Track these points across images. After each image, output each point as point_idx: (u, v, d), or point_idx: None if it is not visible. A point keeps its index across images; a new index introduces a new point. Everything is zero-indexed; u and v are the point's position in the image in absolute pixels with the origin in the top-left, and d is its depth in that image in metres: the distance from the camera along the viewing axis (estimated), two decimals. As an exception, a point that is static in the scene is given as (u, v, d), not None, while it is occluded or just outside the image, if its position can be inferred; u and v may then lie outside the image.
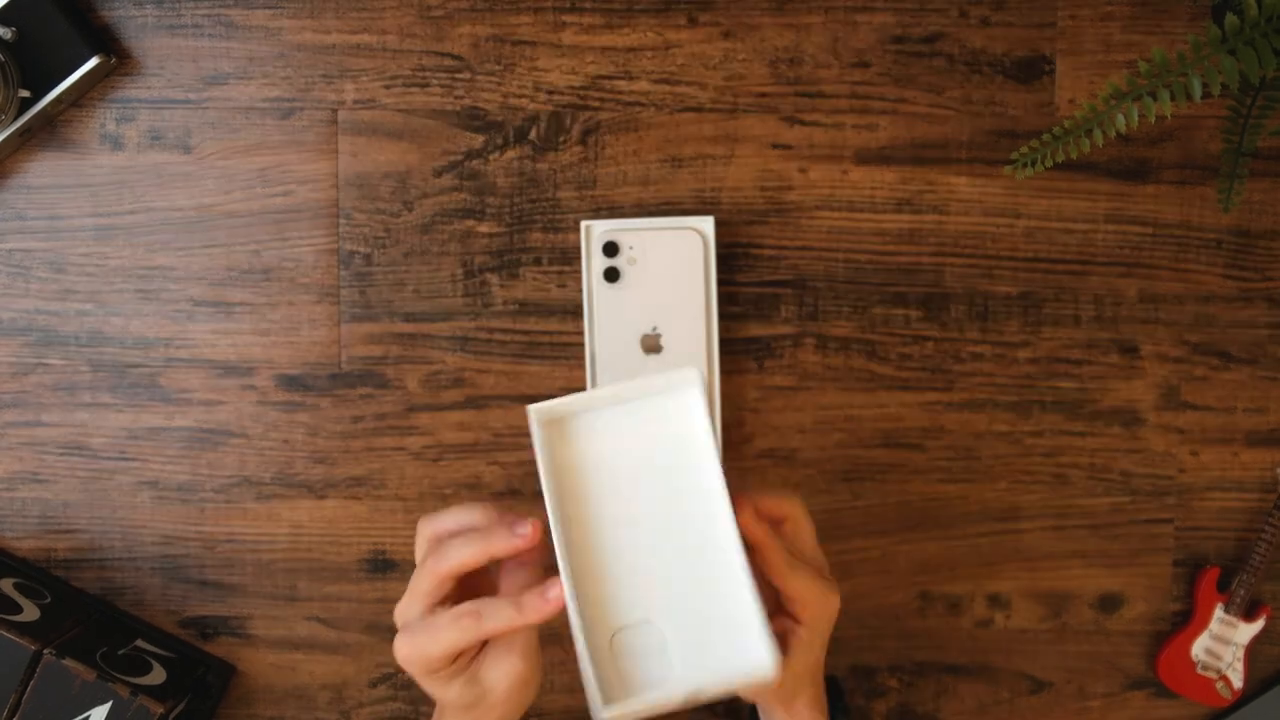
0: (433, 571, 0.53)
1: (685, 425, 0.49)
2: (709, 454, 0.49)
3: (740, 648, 0.48)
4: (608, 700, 0.47)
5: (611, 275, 0.67)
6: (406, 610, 0.55)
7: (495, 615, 0.51)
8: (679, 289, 0.65)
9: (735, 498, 0.50)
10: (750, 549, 0.50)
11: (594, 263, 0.67)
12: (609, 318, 0.66)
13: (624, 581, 0.50)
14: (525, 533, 0.52)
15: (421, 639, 0.53)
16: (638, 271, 0.67)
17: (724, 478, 0.49)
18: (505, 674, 0.53)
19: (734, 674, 0.48)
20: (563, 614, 0.49)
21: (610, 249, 0.67)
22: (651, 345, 0.66)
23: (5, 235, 0.72)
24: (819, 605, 0.54)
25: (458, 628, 0.51)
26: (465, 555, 0.52)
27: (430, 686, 0.54)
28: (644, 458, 0.50)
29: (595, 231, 0.70)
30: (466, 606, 0.52)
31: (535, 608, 0.50)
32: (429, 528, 0.54)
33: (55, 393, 0.73)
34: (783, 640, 0.53)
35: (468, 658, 0.53)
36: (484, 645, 0.54)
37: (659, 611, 0.49)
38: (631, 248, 0.67)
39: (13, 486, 0.73)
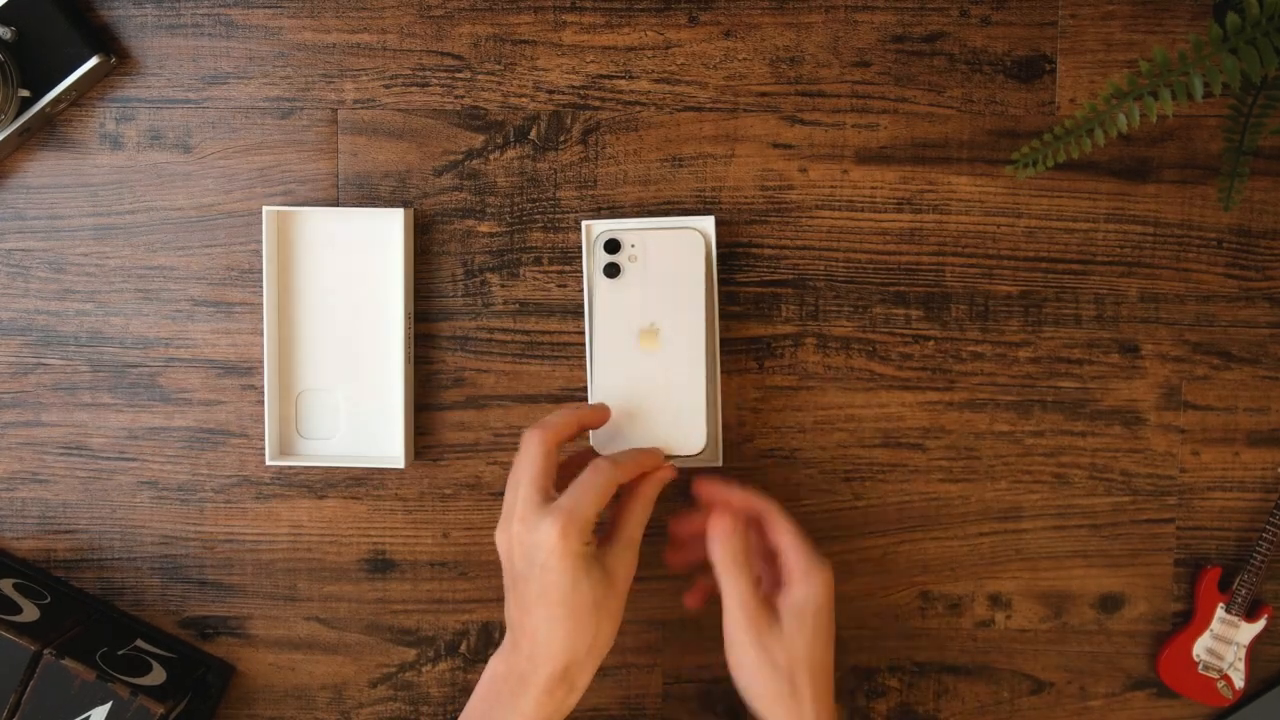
0: (540, 440, 0.61)
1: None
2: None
3: None
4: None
5: (612, 271, 0.67)
6: (525, 495, 0.60)
7: (625, 458, 0.62)
8: (679, 287, 0.67)
9: (733, 486, 0.61)
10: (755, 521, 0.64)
11: (595, 259, 0.68)
12: (609, 314, 0.67)
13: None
14: (605, 405, 0.65)
15: (575, 508, 0.59)
16: (638, 269, 0.67)
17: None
18: (628, 562, 0.61)
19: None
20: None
21: (611, 245, 0.67)
22: (651, 342, 0.67)
23: (5, 235, 0.72)
24: (811, 568, 0.62)
25: (596, 474, 0.60)
26: (561, 421, 0.62)
27: (577, 575, 0.58)
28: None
29: (595, 231, 0.70)
30: (596, 462, 0.62)
31: (589, 412, 0.64)
32: (538, 436, 0.62)
33: (55, 393, 0.73)
34: (778, 614, 0.62)
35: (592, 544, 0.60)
36: (608, 538, 0.62)
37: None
38: (633, 245, 0.68)
39: (13, 486, 0.73)
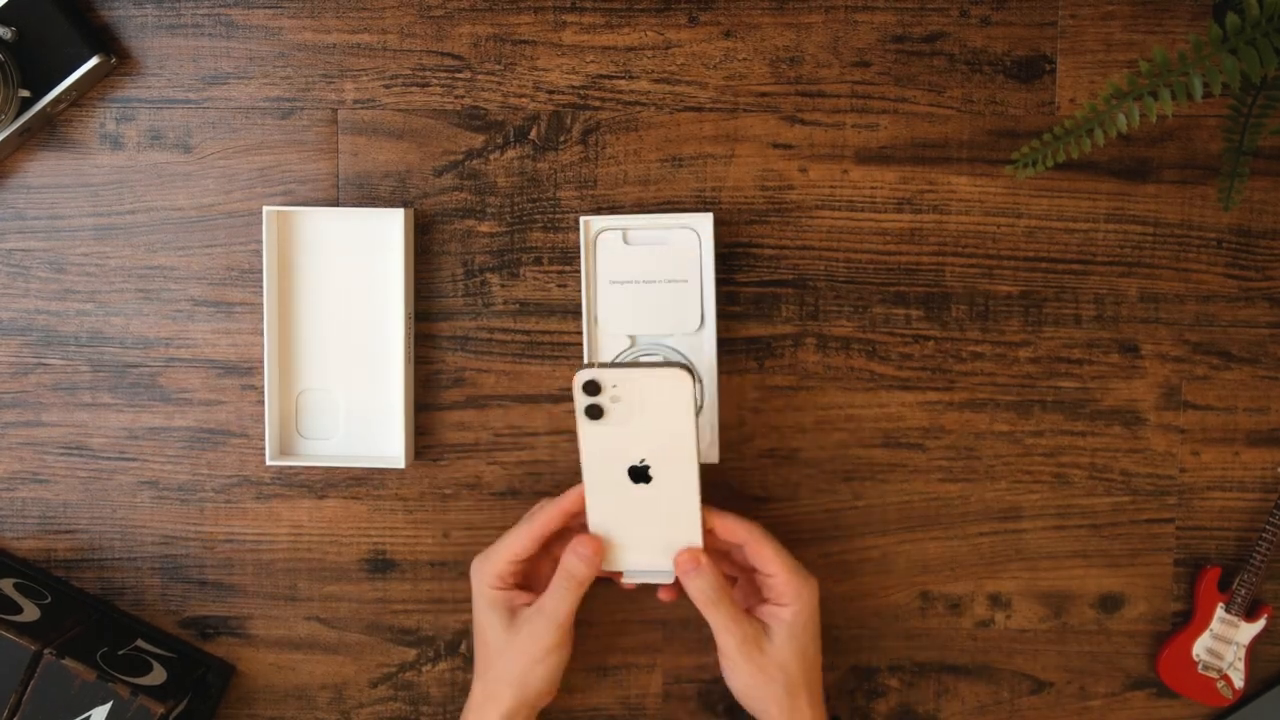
0: (532, 523, 0.65)
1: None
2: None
3: None
4: None
5: (594, 413, 0.63)
6: (499, 541, 0.66)
7: (548, 506, 0.65)
8: (664, 425, 0.63)
9: (704, 512, 0.64)
10: (736, 548, 0.66)
11: (577, 401, 0.63)
12: (596, 452, 0.64)
13: None
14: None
15: (493, 547, 0.65)
16: (622, 409, 0.63)
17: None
18: (537, 631, 0.63)
19: None
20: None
21: (591, 388, 0.63)
22: (641, 476, 0.65)
23: (5, 235, 0.72)
24: (802, 587, 0.64)
25: (522, 522, 0.65)
26: (569, 500, 0.65)
27: (481, 609, 0.65)
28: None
29: (594, 227, 0.70)
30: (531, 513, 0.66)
31: (574, 494, 0.65)
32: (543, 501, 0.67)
33: (55, 393, 0.73)
34: (768, 629, 0.65)
35: (521, 597, 0.65)
36: (532, 599, 0.65)
37: None
38: (614, 385, 0.63)
39: (13, 486, 0.73)
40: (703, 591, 0.63)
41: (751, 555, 0.65)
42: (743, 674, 0.64)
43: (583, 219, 0.69)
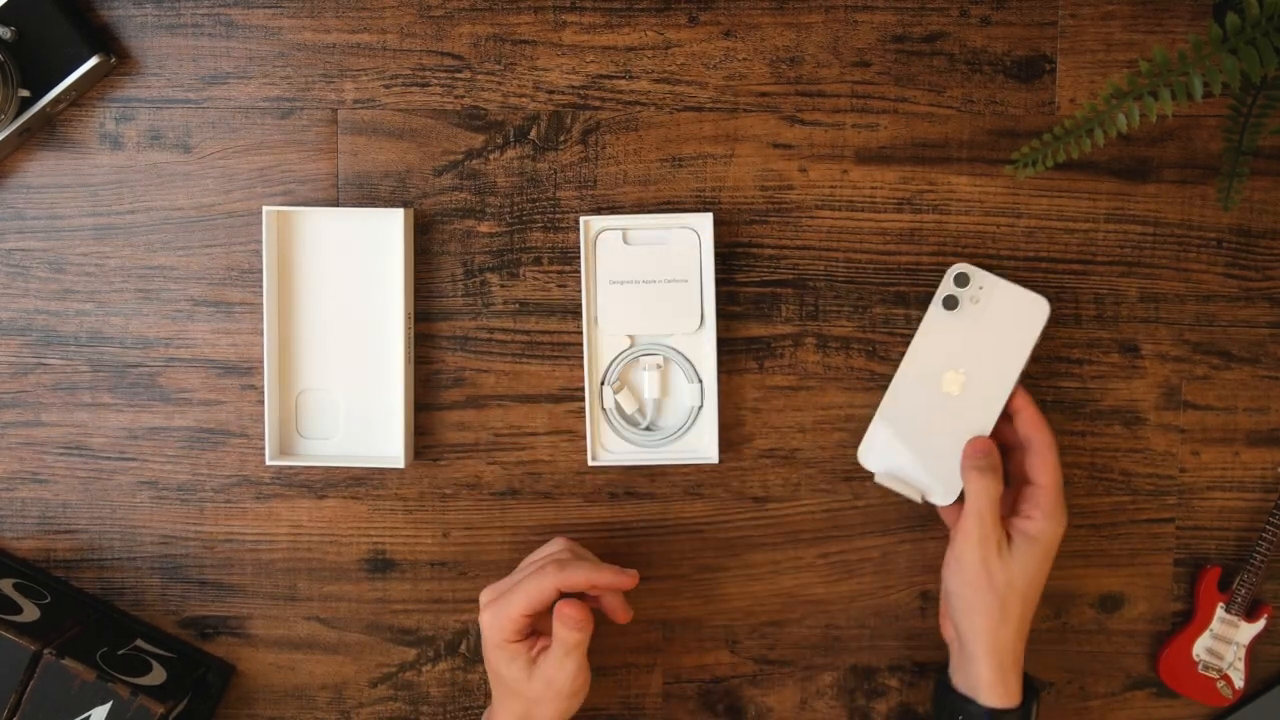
0: (554, 578, 0.63)
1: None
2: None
3: None
4: None
5: (950, 303, 0.69)
6: (502, 589, 0.66)
7: (574, 570, 0.64)
8: (1003, 344, 0.69)
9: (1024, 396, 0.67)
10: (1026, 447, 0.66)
11: (941, 288, 0.70)
12: (929, 344, 0.70)
13: None
14: (632, 574, 0.65)
15: (505, 599, 0.64)
16: (975, 311, 0.69)
17: None
18: (556, 672, 0.63)
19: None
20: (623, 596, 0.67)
21: (961, 279, 0.69)
22: (953, 385, 0.70)
23: (5, 235, 0.72)
24: (1060, 512, 0.65)
25: (538, 576, 0.64)
26: (579, 576, 0.64)
27: (498, 661, 0.65)
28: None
29: (594, 227, 0.70)
30: (549, 555, 0.67)
31: (611, 575, 0.64)
32: (562, 544, 0.68)
33: (55, 393, 0.73)
34: (1011, 540, 0.65)
35: (534, 641, 0.65)
36: (547, 643, 0.65)
37: None
38: (980, 287, 0.69)
39: (13, 486, 0.73)
40: (981, 465, 0.65)
41: (1033, 457, 0.65)
42: (967, 572, 0.64)
43: (583, 219, 0.69)
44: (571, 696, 0.65)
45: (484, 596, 0.66)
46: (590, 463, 0.71)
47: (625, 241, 0.70)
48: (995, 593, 0.64)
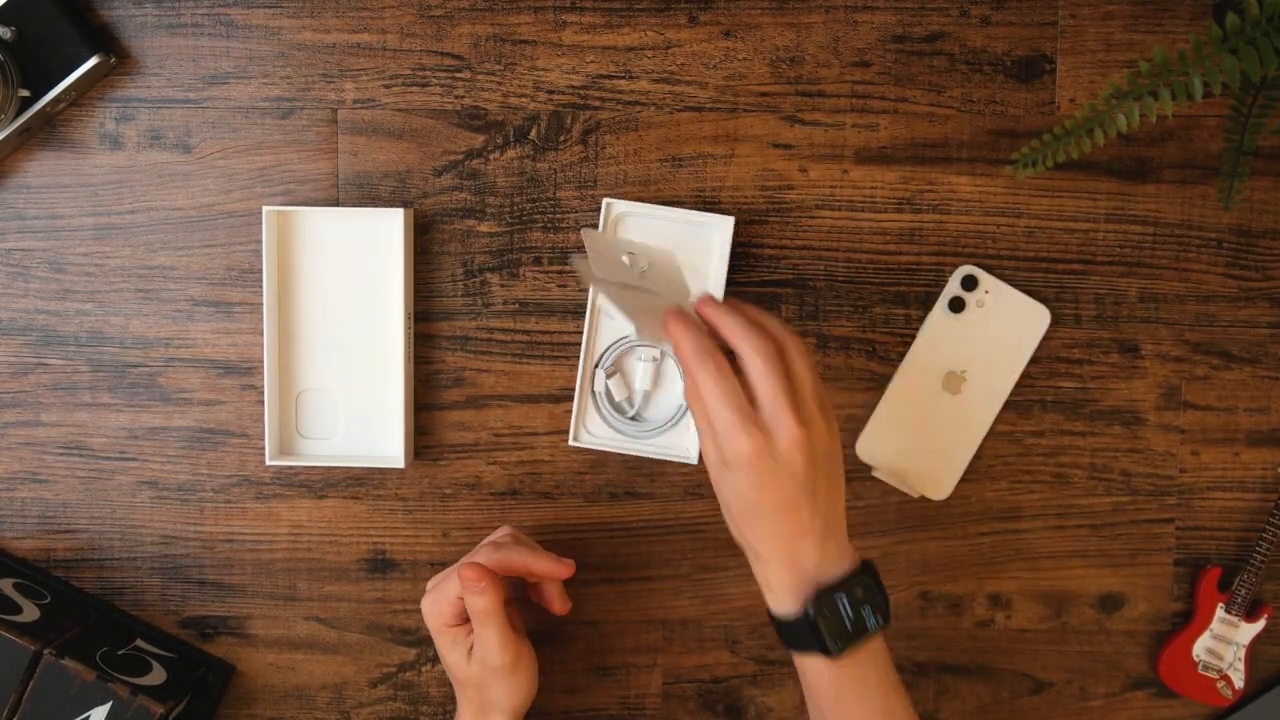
0: (486, 557, 0.65)
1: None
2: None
3: None
4: None
5: (956, 306, 0.71)
6: (438, 582, 0.67)
7: (508, 552, 0.65)
8: (1007, 348, 0.71)
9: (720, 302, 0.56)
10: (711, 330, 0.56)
11: (946, 290, 0.70)
12: (932, 346, 0.71)
13: None
14: (568, 563, 0.66)
15: (443, 583, 0.65)
16: (980, 315, 0.71)
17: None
18: (485, 644, 0.63)
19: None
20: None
21: (969, 282, 0.71)
22: (953, 386, 0.71)
23: (5, 235, 0.72)
24: (776, 427, 0.53)
25: (471, 557, 0.65)
26: (514, 558, 0.65)
27: (443, 648, 0.66)
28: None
29: (616, 209, 0.70)
30: (483, 544, 0.67)
31: (547, 562, 0.65)
32: (506, 531, 0.69)
33: (55, 393, 0.73)
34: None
35: (468, 627, 0.65)
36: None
37: None
38: (987, 291, 0.71)
39: (13, 486, 0.73)
40: (694, 344, 0.54)
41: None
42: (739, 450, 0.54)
43: (605, 200, 0.69)
44: (512, 673, 0.64)
45: (428, 585, 0.67)
46: (570, 442, 0.71)
47: (644, 233, 0.70)
48: (725, 509, 0.57)
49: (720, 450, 0.54)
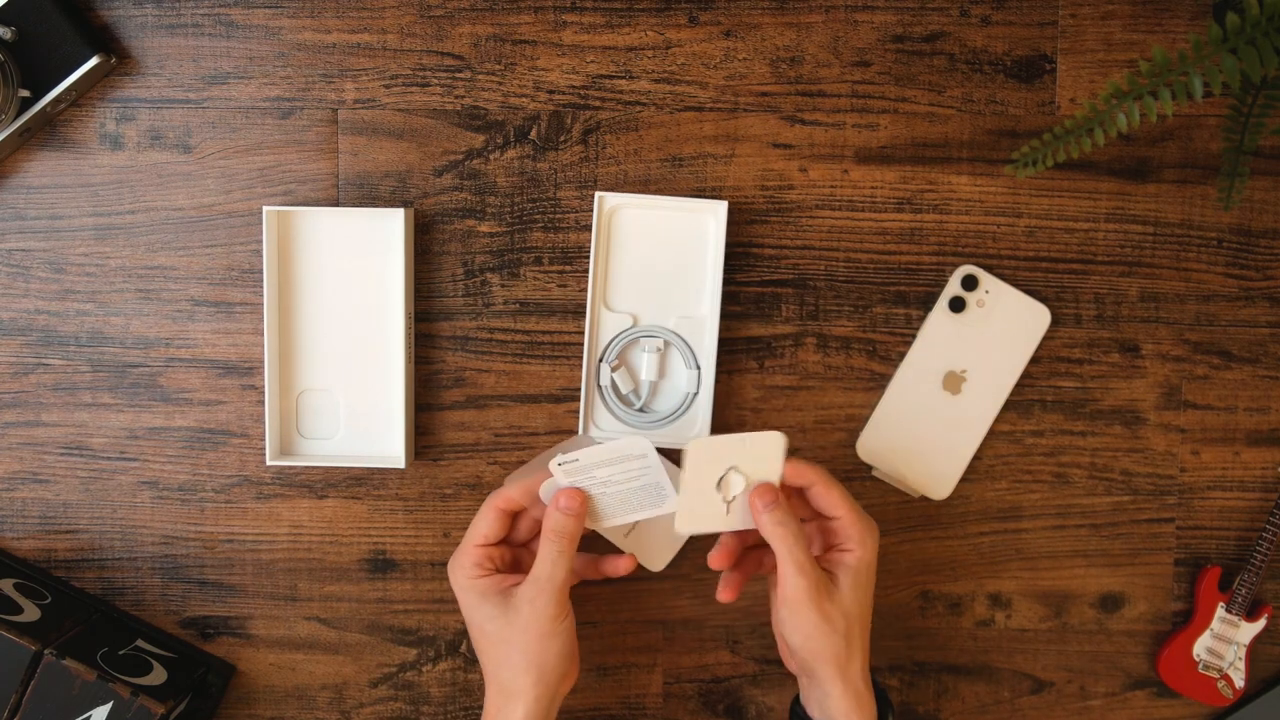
0: (489, 503, 0.64)
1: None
2: None
3: None
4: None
5: (957, 306, 0.71)
6: (459, 549, 0.65)
7: (509, 485, 0.64)
8: (1007, 348, 0.72)
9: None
10: (802, 491, 0.64)
11: (946, 291, 0.71)
12: (932, 345, 0.71)
13: None
14: (577, 492, 0.63)
15: (462, 543, 0.64)
16: (980, 315, 0.71)
17: None
18: (532, 599, 0.61)
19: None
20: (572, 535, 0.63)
21: (969, 282, 0.71)
22: (953, 386, 0.71)
23: (5, 235, 0.72)
24: (866, 532, 0.63)
25: (482, 506, 0.64)
26: (513, 491, 0.64)
27: (472, 604, 0.63)
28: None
29: (609, 203, 0.70)
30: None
31: (542, 473, 0.62)
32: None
33: (55, 393, 0.73)
34: (833, 575, 0.63)
35: (509, 579, 0.64)
36: (519, 579, 0.64)
37: None
38: (987, 291, 0.71)
39: (13, 486, 0.73)
40: (781, 523, 0.61)
41: (818, 496, 0.63)
42: (807, 622, 0.61)
43: (598, 194, 0.69)
44: (558, 622, 0.62)
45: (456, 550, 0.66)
46: (580, 436, 0.71)
47: (637, 223, 0.70)
48: (838, 634, 0.62)
49: (853, 559, 0.63)
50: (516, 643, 0.62)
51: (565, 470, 0.61)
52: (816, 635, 0.61)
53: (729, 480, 0.61)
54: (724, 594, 0.66)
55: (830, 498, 0.62)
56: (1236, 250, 0.72)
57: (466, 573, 0.63)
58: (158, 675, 0.68)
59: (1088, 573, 0.74)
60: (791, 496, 0.64)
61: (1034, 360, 0.72)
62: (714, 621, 0.74)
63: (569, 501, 0.62)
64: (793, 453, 0.73)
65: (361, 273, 0.71)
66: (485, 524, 0.64)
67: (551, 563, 0.62)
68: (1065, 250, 0.72)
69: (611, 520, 0.64)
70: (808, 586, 0.61)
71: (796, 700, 0.67)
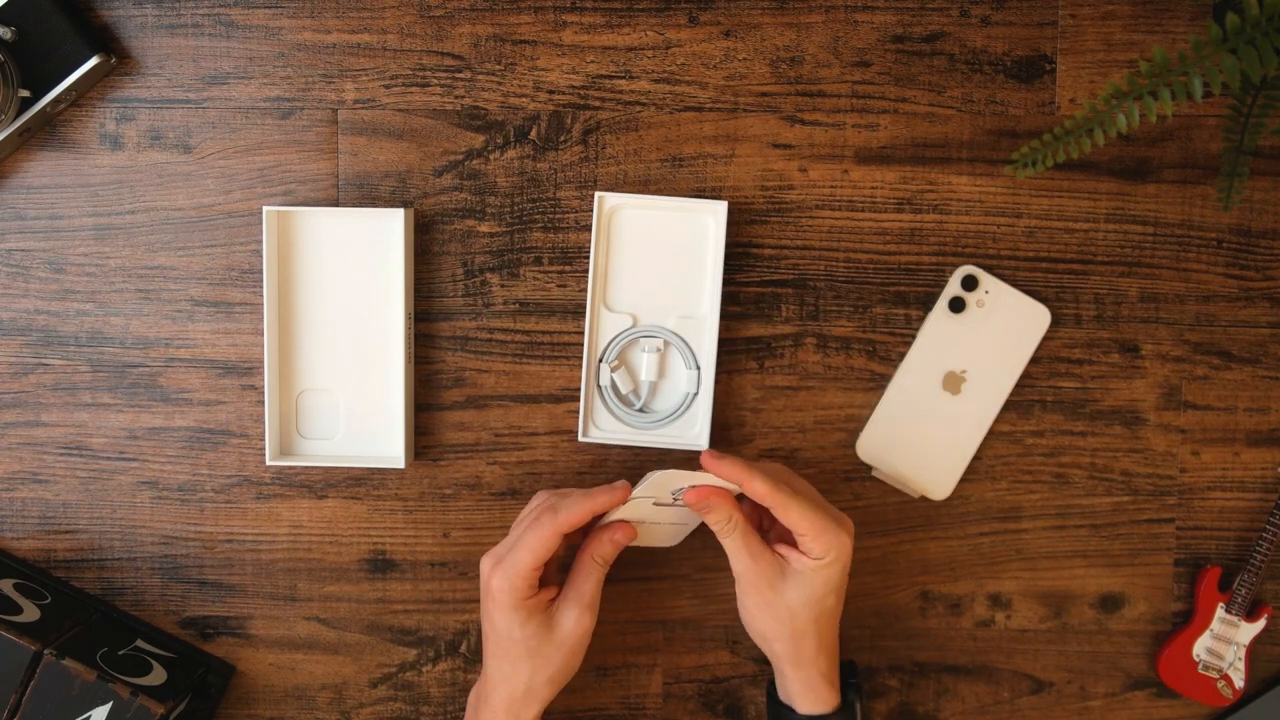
0: (553, 524, 0.62)
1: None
2: None
3: None
4: None
5: (957, 306, 0.71)
6: (502, 553, 0.64)
7: (569, 507, 0.63)
8: (1007, 348, 0.72)
9: (741, 467, 0.62)
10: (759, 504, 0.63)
11: (946, 291, 0.71)
12: (932, 346, 0.71)
13: None
14: (622, 484, 0.64)
15: (511, 557, 0.63)
16: (980, 315, 0.71)
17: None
18: (575, 620, 0.64)
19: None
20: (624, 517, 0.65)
21: (969, 282, 0.71)
22: (953, 386, 0.72)
23: (5, 235, 0.72)
24: (831, 543, 0.62)
25: (537, 527, 0.63)
26: (576, 508, 0.63)
27: (512, 623, 0.63)
28: None
29: (609, 203, 0.70)
30: (538, 506, 0.65)
31: (605, 496, 0.63)
32: (545, 496, 0.66)
33: (55, 393, 0.73)
34: (785, 571, 0.64)
35: (547, 595, 0.64)
36: (560, 593, 0.65)
37: None
38: (987, 291, 0.71)
39: (13, 486, 0.73)
40: (722, 518, 0.64)
41: (779, 518, 0.63)
42: (749, 606, 0.65)
43: (598, 194, 0.69)
44: (589, 635, 0.65)
45: (485, 564, 0.64)
46: (580, 438, 0.71)
47: (638, 223, 0.70)
48: (780, 622, 0.64)
49: (806, 564, 0.63)
50: (549, 654, 0.64)
51: (629, 505, 0.64)
52: (760, 618, 0.65)
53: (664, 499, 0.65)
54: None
55: (789, 519, 0.63)
56: (1236, 250, 0.72)
57: (520, 593, 0.63)
58: (157, 675, 0.68)
59: (1088, 573, 0.74)
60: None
61: (1034, 360, 0.72)
62: (714, 621, 0.74)
63: (624, 536, 0.65)
64: (786, 458, 0.73)
65: (361, 273, 0.71)
66: (545, 547, 0.62)
67: (595, 583, 0.65)
68: (1065, 250, 0.72)
69: (642, 542, 0.68)
70: (751, 583, 0.64)
71: (772, 681, 0.69)
